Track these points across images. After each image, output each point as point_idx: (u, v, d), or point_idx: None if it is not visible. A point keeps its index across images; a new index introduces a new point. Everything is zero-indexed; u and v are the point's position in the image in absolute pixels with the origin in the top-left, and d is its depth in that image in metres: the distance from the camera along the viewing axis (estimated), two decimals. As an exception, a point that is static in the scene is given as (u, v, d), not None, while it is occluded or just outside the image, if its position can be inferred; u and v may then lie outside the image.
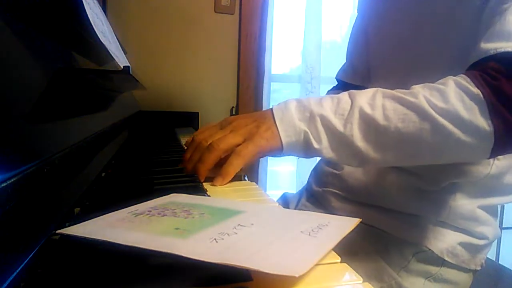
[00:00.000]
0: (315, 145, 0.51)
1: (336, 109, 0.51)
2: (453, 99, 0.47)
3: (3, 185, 0.22)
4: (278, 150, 0.53)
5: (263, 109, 1.64)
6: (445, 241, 0.63)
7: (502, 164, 0.61)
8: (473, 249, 0.65)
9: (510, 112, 0.46)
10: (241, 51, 1.60)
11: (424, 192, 0.63)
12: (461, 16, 0.57)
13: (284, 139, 0.52)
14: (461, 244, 0.63)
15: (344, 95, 0.53)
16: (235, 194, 0.49)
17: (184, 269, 0.25)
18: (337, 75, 0.91)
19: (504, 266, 0.94)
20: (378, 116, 0.50)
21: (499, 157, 0.60)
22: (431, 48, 0.62)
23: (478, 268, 0.67)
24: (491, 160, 0.60)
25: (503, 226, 1.99)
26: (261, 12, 1.59)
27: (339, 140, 0.51)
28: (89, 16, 0.43)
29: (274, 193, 1.77)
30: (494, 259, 1.90)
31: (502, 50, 0.48)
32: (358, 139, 0.50)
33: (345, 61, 0.90)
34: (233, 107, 1.63)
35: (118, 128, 0.78)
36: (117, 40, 0.73)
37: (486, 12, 0.53)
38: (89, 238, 0.28)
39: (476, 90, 0.47)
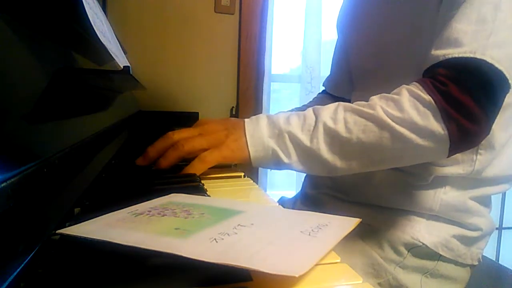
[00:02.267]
0: (285, 160, 0.55)
1: (303, 125, 0.55)
2: (408, 107, 0.51)
3: (3, 185, 0.22)
4: (245, 161, 0.56)
5: (263, 109, 1.65)
6: (438, 235, 0.64)
7: (484, 159, 0.62)
8: (468, 242, 0.65)
9: (461, 115, 0.49)
10: (241, 51, 1.60)
11: (414, 187, 0.64)
12: (423, 24, 0.61)
13: (252, 154, 0.55)
14: (454, 236, 0.64)
15: (309, 112, 0.57)
16: (235, 194, 0.49)
17: (184, 269, 0.25)
18: (324, 83, 0.98)
19: (504, 266, 0.94)
20: (341, 129, 0.53)
21: (480, 152, 0.61)
22: (400, 57, 0.66)
23: (475, 263, 0.67)
24: (474, 157, 0.62)
25: (503, 226, 1.99)
26: (261, 12, 1.59)
27: (307, 154, 0.55)
28: (89, 16, 0.43)
29: (274, 193, 1.77)
30: (494, 259, 1.90)
31: (450, 56, 0.51)
32: (325, 152, 0.54)
33: (330, 73, 0.97)
34: (233, 107, 1.63)
35: (118, 128, 0.78)
36: (117, 40, 0.73)
37: (438, 21, 0.56)
38: (89, 238, 0.28)
39: (427, 97, 0.50)
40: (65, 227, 0.31)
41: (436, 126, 0.50)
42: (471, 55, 0.49)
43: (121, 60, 0.59)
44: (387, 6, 0.68)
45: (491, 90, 0.50)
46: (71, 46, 0.53)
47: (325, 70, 1.68)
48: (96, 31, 0.44)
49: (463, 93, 0.49)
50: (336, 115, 0.54)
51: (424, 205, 0.64)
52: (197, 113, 1.54)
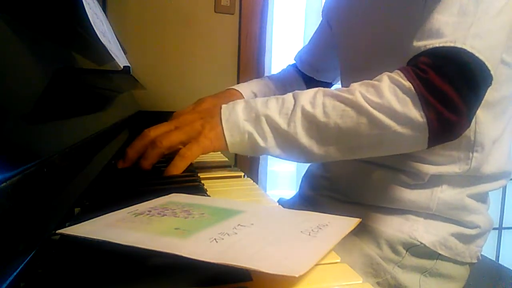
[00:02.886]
0: (262, 144, 0.54)
1: (281, 109, 0.54)
2: (387, 93, 0.50)
3: (3, 185, 0.22)
4: (224, 149, 0.55)
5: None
6: (436, 233, 0.64)
7: (480, 156, 0.62)
8: (466, 240, 0.65)
9: (440, 103, 0.49)
10: (241, 51, 1.60)
11: (411, 186, 0.64)
12: (412, 22, 0.60)
13: (228, 139, 0.54)
14: (453, 235, 0.64)
15: (289, 96, 0.56)
16: (235, 194, 0.49)
17: (184, 269, 0.25)
18: (295, 57, 0.97)
19: (504, 266, 0.94)
20: (319, 113, 0.52)
21: (476, 149, 0.61)
22: (393, 56, 0.64)
23: (474, 261, 0.67)
24: (470, 154, 0.62)
25: (503, 226, 1.99)
26: (261, 12, 1.59)
27: (285, 138, 0.53)
28: (89, 16, 0.43)
29: (274, 193, 1.77)
30: (494, 259, 1.90)
31: (431, 46, 0.50)
32: (302, 136, 0.53)
33: (305, 48, 0.97)
34: (233, 107, 1.63)
35: (118, 128, 0.78)
36: (117, 40, 0.73)
37: (418, 11, 0.56)
38: (89, 238, 0.28)
39: (407, 84, 0.50)
40: (65, 227, 0.31)
41: (415, 113, 0.49)
42: (451, 44, 0.49)
43: (121, 60, 0.59)
44: (377, 3, 0.68)
45: (472, 80, 0.50)
46: (71, 46, 0.53)
47: (325, 70, 1.69)
48: (96, 31, 0.44)
49: (444, 81, 0.49)
50: (315, 100, 0.53)
51: (422, 204, 0.64)
52: (197, 113, 1.53)
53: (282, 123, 0.53)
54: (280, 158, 0.55)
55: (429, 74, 0.49)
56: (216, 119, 0.55)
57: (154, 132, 0.55)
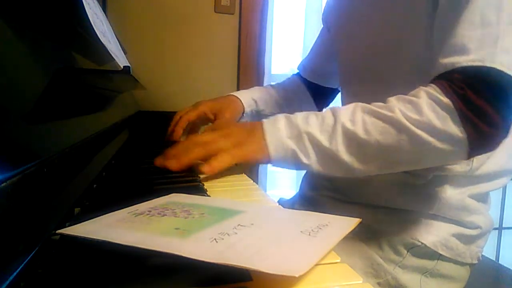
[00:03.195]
0: (304, 161, 0.55)
1: (321, 126, 0.55)
2: (426, 110, 0.51)
3: (3, 185, 0.22)
4: (266, 162, 0.57)
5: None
6: (437, 234, 0.64)
7: (481, 156, 0.62)
8: (467, 240, 0.66)
9: (478, 118, 0.50)
10: (241, 51, 1.60)
11: (413, 186, 0.64)
12: (413, 25, 0.61)
13: (272, 154, 0.55)
14: (454, 235, 0.64)
15: (328, 113, 0.57)
16: (235, 194, 0.49)
17: (184, 269, 0.25)
18: (298, 67, 0.99)
19: (504, 266, 0.94)
20: (359, 130, 0.53)
21: None
22: (391, 59, 0.66)
23: (475, 261, 0.67)
24: None
25: (503, 226, 1.99)
26: (261, 12, 1.59)
27: (326, 154, 0.55)
28: (89, 16, 0.43)
29: (274, 193, 1.77)
30: (494, 259, 1.90)
31: (459, 65, 0.51)
32: (343, 153, 0.54)
33: (307, 56, 0.99)
34: (233, 107, 1.63)
35: (118, 128, 0.78)
36: (117, 40, 0.73)
37: (436, 25, 0.57)
38: (89, 238, 0.28)
39: (446, 100, 0.50)
40: (65, 227, 0.31)
41: (454, 129, 0.50)
42: (480, 64, 0.50)
43: (121, 60, 0.59)
44: (377, 4, 0.68)
45: (504, 94, 0.50)
46: (71, 46, 0.53)
47: (325, 70, 1.68)
48: (96, 31, 0.44)
49: (479, 98, 0.49)
50: (354, 117, 0.54)
51: (423, 204, 0.64)
52: (197, 113, 1.53)
53: (323, 140, 0.54)
54: (320, 173, 0.56)
55: (465, 90, 0.50)
56: (259, 133, 0.56)
57: (201, 138, 0.57)
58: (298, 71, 1.00)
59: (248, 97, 0.88)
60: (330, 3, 0.88)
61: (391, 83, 0.65)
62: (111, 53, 0.50)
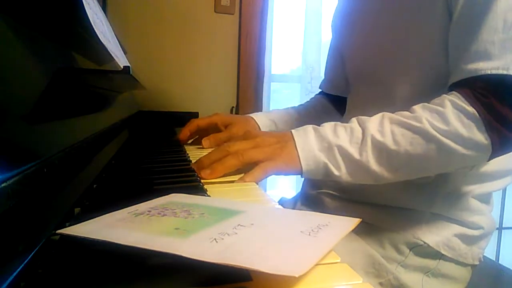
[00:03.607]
0: (336, 173, 0.56)
1: (351, 138, 0.57)
2: (453, 120, 0.53)
3: (3, 185, 0.22)
4: (297, 173, 0.57)
5: (263, 109, 1.65)
6: (440, 233, 0.64)
7: None
8: (469, 240, 0.66)
9: (503, 125, 0.52)
10: (241, 51, 1.60)
11: (416, 185, 0.64)
12: (421, 27, 0.62)
13: (304, 167, 0.56)
14: (456, 235, 0.64)
15: (355, 124, 0.58)
16: (235, 194, 0.49)
17: (184, 269, 0.25)
18: (320, 86, 1.01)
19: (504, 266, 0.94)
20: (389, 142, 0.55)
21: None
22: (397, 59, 0.67)
23: (476, 262, 0.67)
24: None
25: (503, 226, 1.99)
26: (261, 12, 1.59)
27: (357, 166, 0.56)
28: (89, 16, 0.43)
29: (274, 193, 1.77)
30: (494, 259, 1.90)
31: (483, 72, 0.53)
32: (373, 164, 0.56)
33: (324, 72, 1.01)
34: (233, 107, 1.63)
35: (118, 128, 0.78)
36: (117, 40, 0.73)
37: (455, 30, 0.58)
38: (89, 238, 0.28)
39: (471, 109, 0.52)
40: (65, 227, 0.31)
41: (480, 136, 0.52)
42: (505, 72, 0.51)
43: (121, 60, 0.59)
44: (384, 9, 0.69)
45: None
46: (71, 46, 0.53)
47: (325, 70, 1.69)
48: (96, 31, 0.44)
49: (503, 105, 0.52)
50: (383, 128, 0.56)
51: (426, 203, 0.64)
52: (197, 113, 1.54)
53: (354, 152, 0.56)
54: (349, 182, 0.58)
55: (490, 99, 0.52)
56: (291, 144, 0.57)
57: (233, 147, 0.57)
58: (321, 90, 1.01)
59: (264, 118, 0.89)
60: (336, 10, 0.89)
61: (397, 86, 0.65)
62: (111, 53, 0.50)
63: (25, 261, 0.24)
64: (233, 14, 1.57)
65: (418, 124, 0.54)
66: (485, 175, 0.65)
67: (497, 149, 0.53)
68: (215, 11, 1.55)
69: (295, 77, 1.77)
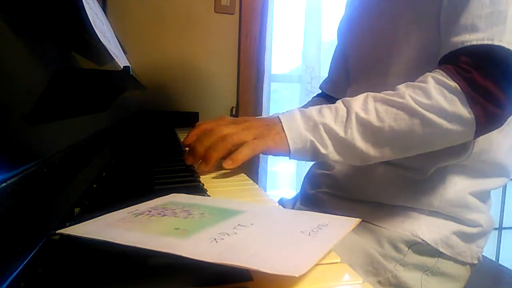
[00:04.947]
0: (322, 151, 0.57)
1: (336, 117, 0.57)
2: (435, 94, 0.53)
3: (3, 185, 0.22)
4: (285, 154, 0.58)
5: (263, 110, 1.65)
6: (438, 231, 0.64)
7: (482, 142, 0.63)
8: (468, 238, 0.66)
9: (485, 98, 0.52)
10: (241, 51, 1.60)
11: (414, 182, 0.64)
12: (424, 16, 0.63)
13: (291, 146, 0.57)
14: (455, 233, 0.64)
15: (339, 104, 0.59)
16: (235, 194, 0.49)
17: (184, 269, 0.25)
18: (320, 86, 1.02)
19: (504, 266, 0.94)
20: (373, 118, 0.55)
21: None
22: (400, 48, 0.67)
23: (475, 261, 0.67)
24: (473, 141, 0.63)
25: (503, 226, 1.99)
26: (261, 12, 1.59)
27: (342, 144, 0.56)
28: (89, 16, 0.43)
29: (274, 193, 1.77)
30: (494, 259, 1.90)
31: (468, 43, 0.53)
32: (358, 141, 0.56)
33: (328, 74, 1.01)
34: (233, 107, 1.63)
35: (118, 128, 0.78)
36: (117, 40, 0.73)
37: (444, 6, 0.58)
38: (89, 238, 0.28)
39: (453, 84, 0.53)
40: (65, 227, 0.31)
41: (463, 110, 0.52)
42: (489, 42, 0.52)
43: (121, 60, 0.59)
44: (387, 6, 0.69)
45: (511, 75, 0.53)
46: (71, 46, 0.53)
47: (325, 70, 1.67)
48: (96, 31, 0.44)
49: (486, 79, 0.52)
50: (366, 106, 0.56)
51: (424, 200, 0.64)
52: (197, 113, 1.54)
53: (339, 130, 0.56)
54: (337, 162, 0.59)
55: (472, 73, 0.52)
56: (278, 126, 0.58)
57: (223, 129, 0.57)
58: (321, 91, 1.02)
59: None
60: (344, 17, 0.90)
61: (397, 77, 0.65)
62: (111, 53, 0.50)
63: (25, 261, 0.24)
64: (233, 14, 1.57)
65: (401, 100, 0.54)
66: (483, 173, 0.65)
67: (482, 124, 0.53)
68: (215, 11, 1.55)
69: (295, 77, 1.76)
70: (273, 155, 0.58)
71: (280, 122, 0.58)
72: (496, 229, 1.96)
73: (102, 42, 0.46)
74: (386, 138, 0.56)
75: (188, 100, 1.55)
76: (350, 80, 0.85)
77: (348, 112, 0.57)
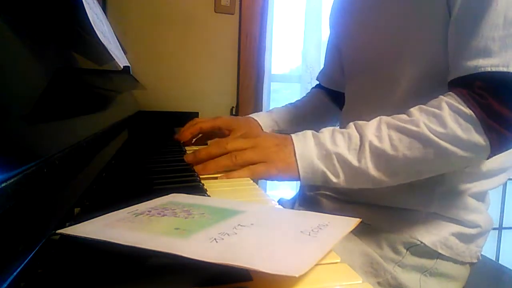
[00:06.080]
0: (334, 180, 0.57)
1: (349, 145, 0.57)
2: (450, 122, 0.53)
3: (3, 185, 0.22)
4: (292, 180, 0.58)
5: (263, 109, 1.65)
6: (437, 233, 0.64)
7: None
8: (466, 239, 0.66)
9: (501, 125, 0.52)
10: (241, 51, 1.60)
11: (412, 185, 0.64)
12: (417, 13, 0.62)
13: (302, 175, 0.57)
14: (453, 234, 0.64)
15: (352, 130, 0.58)
16: (235, 194, 0.49)
17: (184, 269, 0.25)
18: (317, 78, 1.01)
19: (504, 266, 0.94)
20: (387, 147, 0.55)
21: None
22: (393, 46, 0.67)
23: (474, 260, 0.67)
24: None
25: (503, 226, 1.99)
26: (261, 12, 1.59)
27: (355, 172, 0.56)
28: (89, 16, 0.43)
29: (274, 193, 1.77)
30: (494, 259, 1.90)
31: (482, 70, 0.52)
32: (372, 170, 0.56)
33: (324, 65, 1.01)
34: (233, 107, 1.63)
35: (118, 128, 0.78)
36: (117, 40, 0.73)
37: (454, 25, 0.57)
38: (89, 238, 0.28)
39: (468, 111, 0.52)
40: (65, 227, 0.31)
41: (478, 138, 0.52)
42: (505, 70, 0.51)
43: (121, 60, 0.59)
44: (382, 7, 0.68)
45: None
46: (71, 46, 0.53)
47: (325, 70, 1.69)
48: (96, 31, 0.44)
49: (502, 106, 0.51)
50: (380, 133, 0.56)
51: (422, 202, 0.64)
52: (197, 113, 1.54)
53: (352, 159, 0.56)
54: (346, 187, 0.58)
55: (488, 99, 0.51)
56: (289, 149, 0.57)
57: (231, 145, 0.58)
58: (318, 82, 1.01)
59: (266, 119, 0.89)
60: (334, 6, 0.90)
61: (393, 80, 0.65)
62: (111, 53, 0.50)
63: (25, 261, 0.24)
64: (233, 14, 1.57)
65: (415, 128, 0.54)
66: (481, 173, 0.65)
67: (496, 149, 0.53)
68: (215, 11, 1.55)
69: (295, 77, 1.77)
70: (277, 181, 0.59)
71: (292, 143, 0.58)
72: (496, 229, 1.96)
73: (102, 42, 0.46)
74: (400, 166, 0.56)
75: (188, 100, 1.55)
76: (346, 77, 0.85)
77: (361, 139, 0.56)
